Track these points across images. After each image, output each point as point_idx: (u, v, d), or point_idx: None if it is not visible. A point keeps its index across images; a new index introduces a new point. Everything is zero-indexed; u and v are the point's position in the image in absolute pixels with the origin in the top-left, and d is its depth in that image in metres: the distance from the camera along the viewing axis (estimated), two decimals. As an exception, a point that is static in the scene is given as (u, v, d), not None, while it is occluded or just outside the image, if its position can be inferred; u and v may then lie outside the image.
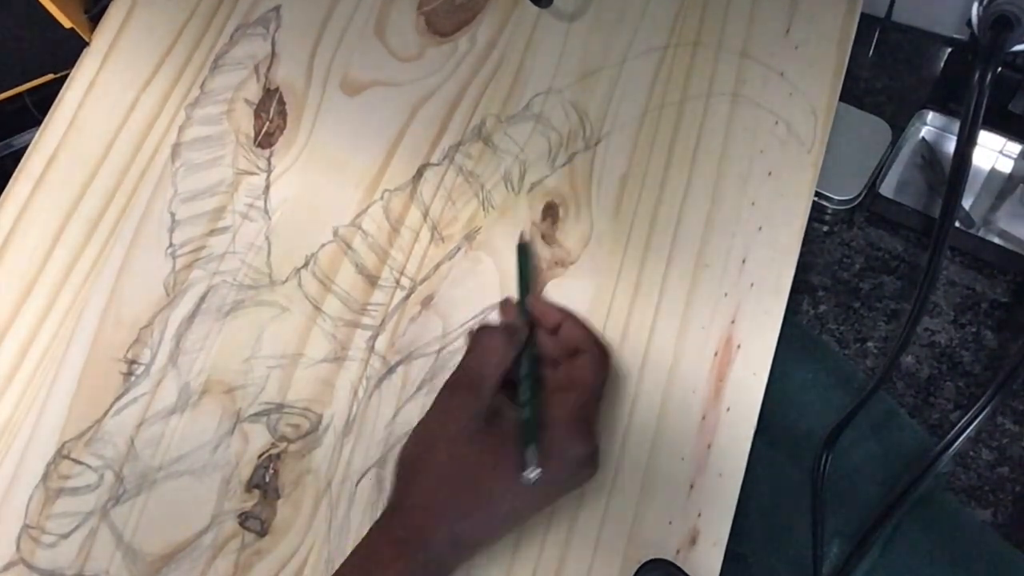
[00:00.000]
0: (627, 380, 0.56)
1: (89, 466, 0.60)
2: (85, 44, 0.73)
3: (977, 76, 0.60)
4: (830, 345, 0.65)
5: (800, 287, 0.66)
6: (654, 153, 0.62)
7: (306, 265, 0.63)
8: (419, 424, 0.52)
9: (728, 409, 0.55)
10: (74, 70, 0.72)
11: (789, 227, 0.59)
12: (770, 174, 0.60)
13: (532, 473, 0.48)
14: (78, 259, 0.66)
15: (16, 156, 0.71)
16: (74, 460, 0.61)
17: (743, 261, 0.58)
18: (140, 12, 0.74)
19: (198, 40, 0.73)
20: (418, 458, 0.51)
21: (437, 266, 0.62)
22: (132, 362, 0.62)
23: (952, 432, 0.58)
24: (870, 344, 0.65)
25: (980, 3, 0.64)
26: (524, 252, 0.59)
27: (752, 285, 0.57)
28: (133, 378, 0.62)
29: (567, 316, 0.56)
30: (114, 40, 0.74)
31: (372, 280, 0.62)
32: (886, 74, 0.75)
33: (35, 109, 0.77)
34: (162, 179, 0.68)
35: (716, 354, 0.56)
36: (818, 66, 0.63)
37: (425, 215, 0.63)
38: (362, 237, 0.63)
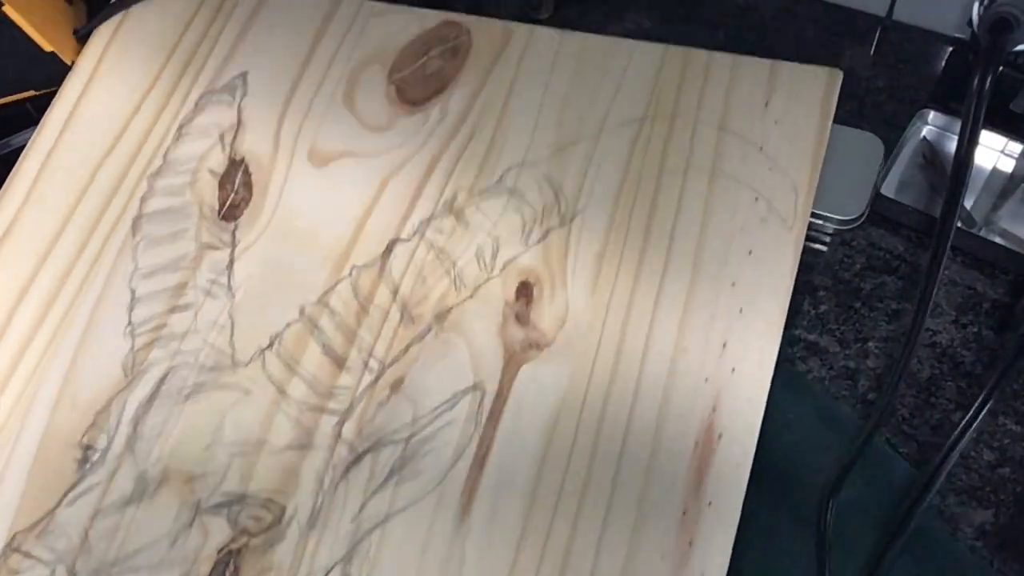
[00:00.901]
0: (604, 473, 0.54)
1: (40, 560, 0.57)
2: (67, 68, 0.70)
3: (977, 80, 0.59)
4: (814, 385, 0.63)
5: (801, 287, 0.65)
6: (631, 230, 0.60)
7: (270, 346, 0.61)
8: None
9: (710, 504, 0.53)
10: (31, 141, 0.69)
11: (771, 309, 0.57)
12: (751, 253, 0.59)
13: None
14: (33, 338, 0.63)
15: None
16: (25, 554, 0.58)
17: (723, 345, 0.56)
18: (103, 80, 0.72)
19: (162, 107, 0.71)
20: None
21: (407, 348, 0.60)
22: (87, 447, 0.60)
23: (937, 459, 0.57)
24: (871, 344, 0.64)
25: (980, 4, 0.63)
26: None
27: (733, 370, 0.55)
28: (88, 465, 0.59)
29: None
30: (73, 109, 0.72)
31: (339, 362, 0.60)
32: (887, 73, 0.74)
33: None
34: (122, 253, 0.65)
35: (697, 444, 0.54)
36: (798, 141, 0.61)
37: (395, 293, 0.61)
38: (329, 316, 0.61)
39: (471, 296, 0.61)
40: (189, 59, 0.72)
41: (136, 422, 0.60)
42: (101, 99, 0.71)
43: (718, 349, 0.56)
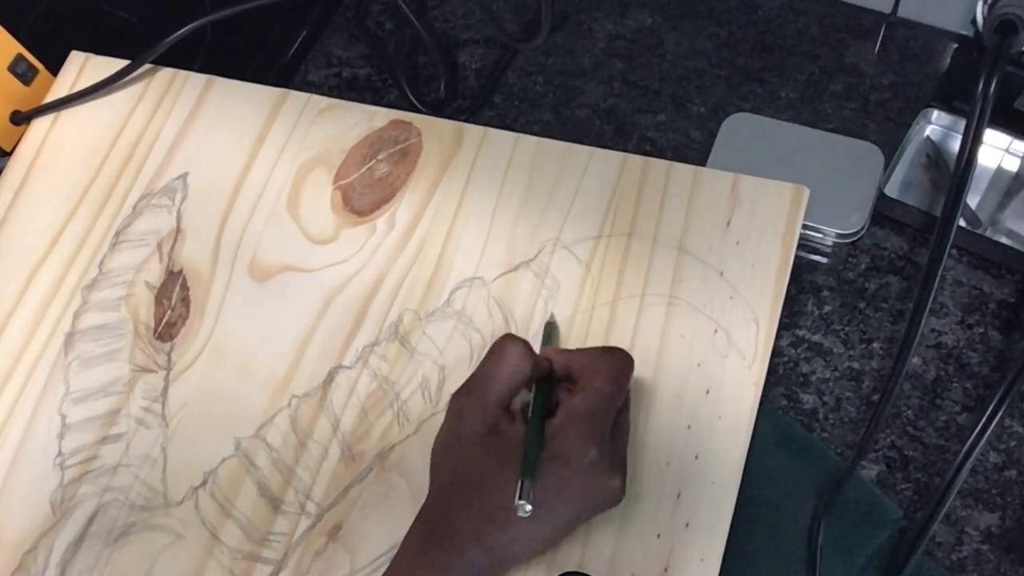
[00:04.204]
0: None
1: None
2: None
3: (982, 83, 0.58)
4: (796, 428, 0.60)
5: (805, 287, 0.64)
6: (583, 362, 0.57)
7: (204, 484, 0.58)
8: (441, 426, 0.52)
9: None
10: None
11: (727, 456, 0.54)
12: (708, 392, 0.55)
13: (523, 508, 0.46)
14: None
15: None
16: None
17: (677, 495, 0.53)
18: (37, 178, 0.69)
19: (100, 207, 0.68)
20: (439, 457, 0.52)
21: (346, 489, 0.57)
22: (14, 591, 0.57)
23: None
24: (875, 345, 0.62)
25: (984, 3, 0.61)
26: (551, 329, 0.57)
27: (687, 525, 0.52)
28: (14, 612, 0.56)
29: (578, 353, 0.53)
30: (9, 207, 0.68)
31: (275, 504, 0.57)
32: (891, 70, 0.72)
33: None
34: (54, 372, 0.62)
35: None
36: (760, 267, 0.58)
37: (335, 428, 0.58)
38: (266, 451, 0.58)
39: (415, 432, 0.58)
40: (129, 156, 0.69)
41: (64, 565, 0.57)
42: (38, 197, 0.68)
43: (672, 500, 0.53)
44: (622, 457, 0.50)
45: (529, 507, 0.46)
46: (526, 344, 0.51)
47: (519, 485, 0.46)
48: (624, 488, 0.50)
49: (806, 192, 0.59)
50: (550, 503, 0.47)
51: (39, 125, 0.71)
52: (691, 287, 0.58)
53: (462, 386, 0.52)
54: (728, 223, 0.59)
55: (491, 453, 0.49)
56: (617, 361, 0.51)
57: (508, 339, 0.52)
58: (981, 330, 0.62)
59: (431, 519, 0.50)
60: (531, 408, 0.51)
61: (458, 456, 0.50)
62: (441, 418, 0.57)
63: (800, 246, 0.60)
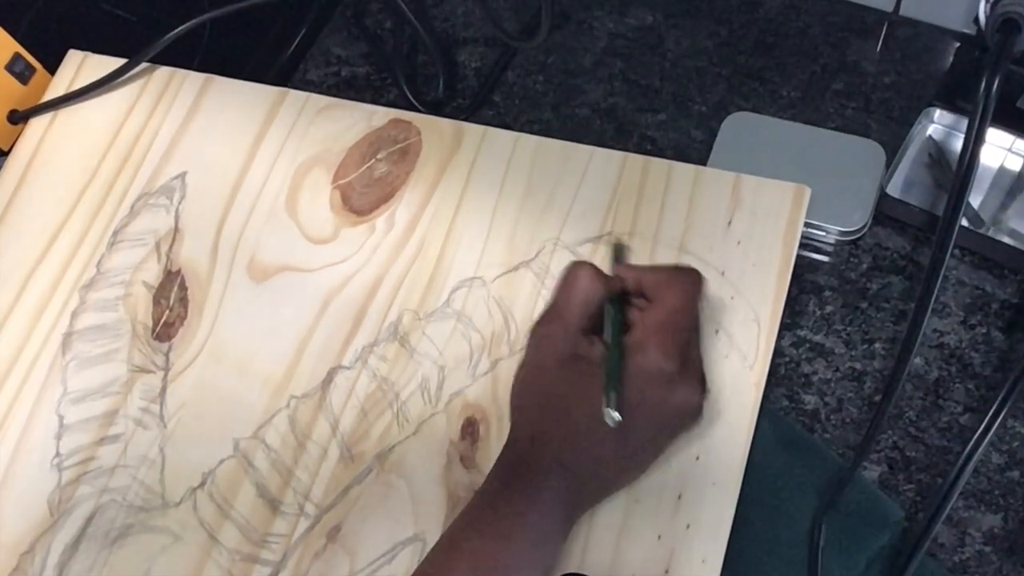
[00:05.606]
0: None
1: None
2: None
3: (984, 82, 0.57)
4: (798, 428, 0.60)
5: (807, 287, 0.64)
6: (584, 362, 0.57)
7: (202, 485, 0.58)
8: (520, 362, 0.53)
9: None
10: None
11: (729, 457, 0.53)
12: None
13: (611, 416, 0.47)
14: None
15: None
16: None
17: (678, 497, 0.53)
18: (35, 177, 0.69)
19: (97, 210, 0.67)
20: (520, 391, 0.52)
21: (346, 490, 0.56)
22: (11, 592, 0.57)
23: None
24: (877, 345, 0.62)
25: (987, 2, 0.61)
26: (621, 249, 0.58)
27: (688, 527, 0.52)
28: (11, 613, 0.56)
29: (649, 270, 0.54)
30: (7, 207, 0.68)
31: (274, 505, 0.56)
32: (894, 69, 0.72)
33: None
34: (52, 373, 0.62)
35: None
36: (762, 267, 0.57)
37: (334, 428, 0.58)
38: (265, 452, 0.58)
39: (414, 433, 0.57)
40: (127, 155, 0.69)
41: (61, 567, 0.57)
42: (36, 197, 0.68)
43: (673, 502, 0.53)
44: (700, 371, 0.51)
45: (617, 415, 0.47)
46: (594, 267, 0.52)
47: (605, 397, 0.47)
48: (702, 405, 0.51)
49: (808, 192, 0.59)
50: (631, 418, 0.47)
51: (37, 124, 0.70)
52: (692, 287, 0.57)
53: (539, 318, 0.53)
54: (729, 223, 0.59)
55: (574, 377, 0.50)
56: (687, 278, 0.52)
57: (576, 264, 0.53)
58: (983, 330, 0.62)
59: (512, 457, 0.50)
60: (608, 326, 0.51)
61: (540, 385, 0.51)
62: (441, 419, 0.57)
63: (802, 245, 0.60)
